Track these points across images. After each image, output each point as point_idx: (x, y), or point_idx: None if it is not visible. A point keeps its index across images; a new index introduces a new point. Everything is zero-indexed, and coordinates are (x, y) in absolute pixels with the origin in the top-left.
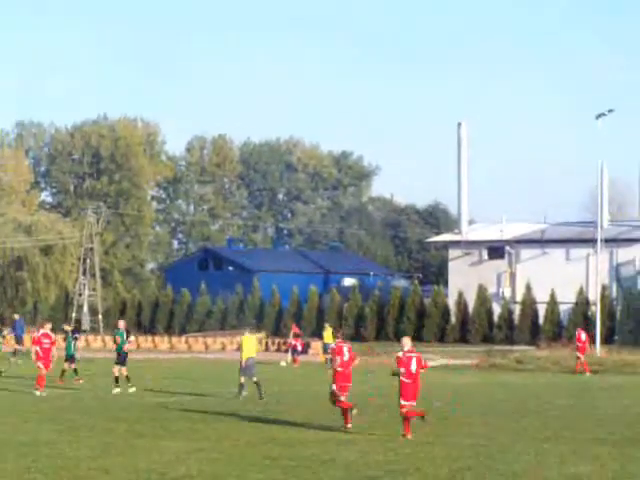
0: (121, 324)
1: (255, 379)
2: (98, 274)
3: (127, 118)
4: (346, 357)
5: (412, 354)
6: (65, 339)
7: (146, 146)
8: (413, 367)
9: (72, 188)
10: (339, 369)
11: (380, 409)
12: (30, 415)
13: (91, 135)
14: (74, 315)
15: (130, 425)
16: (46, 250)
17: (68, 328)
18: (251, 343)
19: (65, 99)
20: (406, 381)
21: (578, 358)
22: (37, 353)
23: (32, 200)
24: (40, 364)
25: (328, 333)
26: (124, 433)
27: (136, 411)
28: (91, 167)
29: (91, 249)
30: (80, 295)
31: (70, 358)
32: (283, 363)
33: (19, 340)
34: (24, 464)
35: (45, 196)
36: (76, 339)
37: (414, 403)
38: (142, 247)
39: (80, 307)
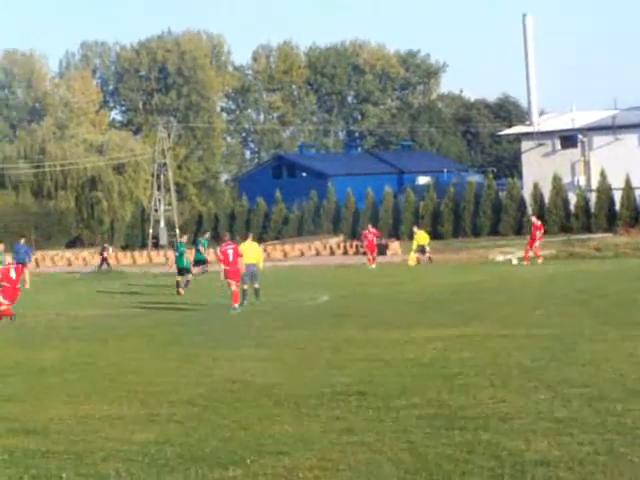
0: (207, 235)
1: (257, 286)
2: (173, 189)
3: (191, 32)
4: (231, 258)
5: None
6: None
7: (212, 58)
8: (231, 257)
9: (141, 105)
10: (227, 267)
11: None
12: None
13: (157, 51)
14: (150, 231)
15: (209, 335)
16: (119, 168)
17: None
18: (252, 250)
19: (129, 17)
20: (227, 268)
21: None
22: None
23: (102, 120)
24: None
25: (419, 235)
26: (210, 344)
27: (217, 320)
28: (159, 83)
29: (164, 164)
30: (156, 211)
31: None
32: (373, 266)
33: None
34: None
35: (115, 115)
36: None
37: None
38: (214, 159)
39: (157, 223)
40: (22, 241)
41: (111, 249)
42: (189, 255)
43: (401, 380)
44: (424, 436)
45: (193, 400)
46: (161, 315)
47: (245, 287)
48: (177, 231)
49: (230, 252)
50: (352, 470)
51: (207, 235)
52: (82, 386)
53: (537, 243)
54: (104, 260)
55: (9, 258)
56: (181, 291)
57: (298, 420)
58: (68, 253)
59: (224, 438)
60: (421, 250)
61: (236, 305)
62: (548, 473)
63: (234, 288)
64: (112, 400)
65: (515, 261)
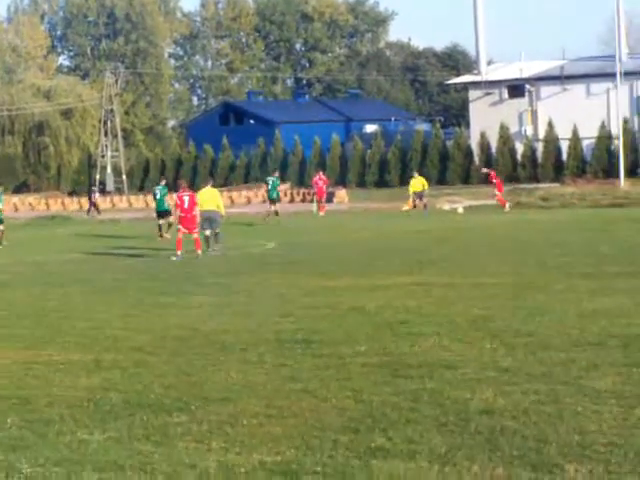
0: (163, 181)
1: (217, 231)
2: (120, 135)
3: None
4: (186, 205)
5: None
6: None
7: (161, 4)
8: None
9: (89, 50)
10: (182, 214)
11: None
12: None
13: None
14: (97, 177)
15: (162, 283)
16: (67, 114)
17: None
18: (209, 196)
19: None
20: (182, 215)
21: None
22: None
23: (50, 65)
24: None
25: (416, 181)
26: (156, 291)
27: (168, 268)
28: (107, 28)
29: (111, 110)
30: (103, 157)
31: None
32: (322, 213)
33: None
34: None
35: (63, 60)
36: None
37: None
38: (162, 105)
39: (104, 168)
40: None
41: (98, 194)
42: (169, 198)
43: (347, 328)
44: (369, 384)
45: (139, 347)
46: (108, 261)
47: (207, 233)
48: (123, 177)
49: (186, 199)
50: (296, 417)
51: (163, 182)
52: (28, 332)
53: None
54: (93, 204)
55: None
56: (166, 235)
57: (243, 367)
58: (15, 198)
59: (169, 384)
60: (418, 196)
61: (179, 252)
62: (493, 422)
63: (180, 235)
64: (58, 346)
65: (461, 210)
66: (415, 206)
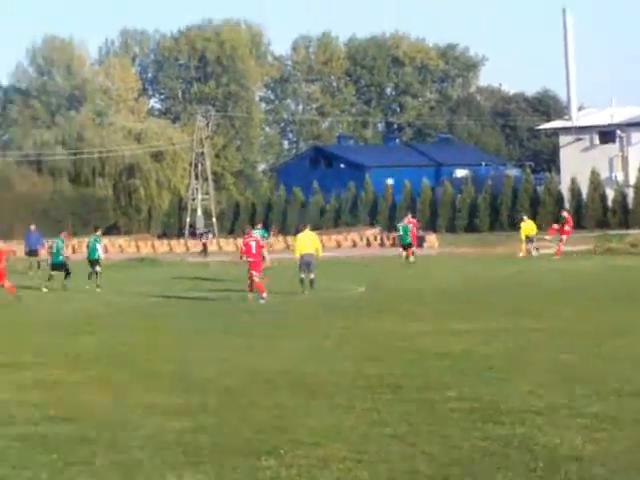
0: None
1: (312, 276)
2: (210, 178)
3: (231, 21)
4: (254, 250)
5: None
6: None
7: (252, 48)
8: (254, 249)
9: (180, 93)
10: (250, 259)
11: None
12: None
13: (196, 40)
14: (188, 220)
15: (251, 326)
16: (157, 156)
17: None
18: (308, 239)
19: (169, 5)
20: (251, 260)
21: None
22: None
23: (141, 107)
24: None
25: (527, 225)
26: (246, 333)
27: (258, 311)
28: (198, 71)
29: (202, 153)
30: (193, 199)
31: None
32: (412, 259)
33: (32, 253)
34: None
35: (154, 103)
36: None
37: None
38: (253, 149)
39: (194, 211)
40: (32, 228)
41: (210, 235)
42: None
43: (436, 373)
44: (458, 430)
45: (229, 389)
46: (197, 303)
47: (302, 276)
48: (213, 220)
49: (252, 244)
50: (385, 463)
51: (98, 232)
52: (118, 373)
53: (564, 237)
54: (205, 246)
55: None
56: (47, 286)
57: (332, 411)
58: (105, 240)
59: (258, 428)
60: (529, 240)
61: (264, 295)
62: (582, 468)
63: (257, 279)
64: (148, 388)
65: (535, 253)
66: (529, 251)
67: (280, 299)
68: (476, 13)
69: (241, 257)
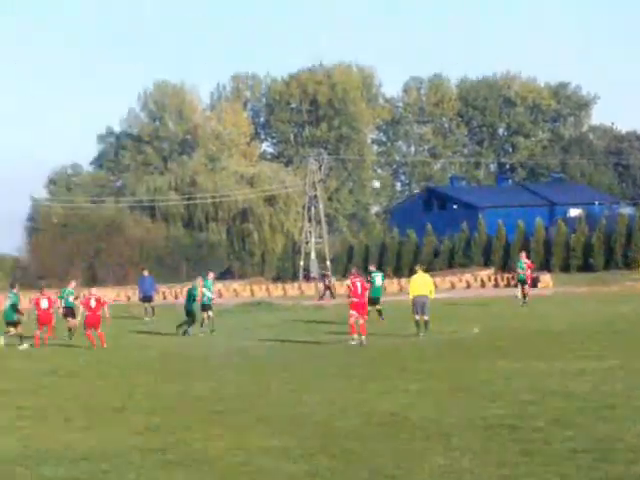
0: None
1: (426, 318)
2: (323, 221)
3: (342, 63)
4: (359, 291)
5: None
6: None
7: (363, 90)
8: (359, 290)
9: (292, 137)
10: (354, 299)
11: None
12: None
13: (308, 83)
14: (301, 263)
15: (365, 368)
16: (270, 200)
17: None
18: (421, 281)
19: (280, 49)
20: (355, 300)
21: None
22: None
23: (253, 151)
24: None
25: None
26: (360, 376)
27: (372, 352)
28: (310, 115)
29: (315, 196)
30: (307, 243)
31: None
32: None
33: (146, 299)
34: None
35: (266, 147)
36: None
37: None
38: (365, 191)
39: (308, 255)
40: (145, 273)
41: (333, 278)
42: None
43: (553, 412)
44: (576, 469)
45: (345, 433)
46: (311, 347)
47: (417, 318)
48: (327, 263)
49: (358, 284)
50: None
51: (72, 284)
52: (233, 418)
53: None
54: (327, 288)
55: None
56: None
57: (449, 453)
58: (219, 285)
59: (373, 471)
60: None
61: (355, 336)
62: None
63: (352, 320)
64: (262, 430)
65: None
66: None
67: (395, 341)
68: (587, 51)
69: (348, 297)
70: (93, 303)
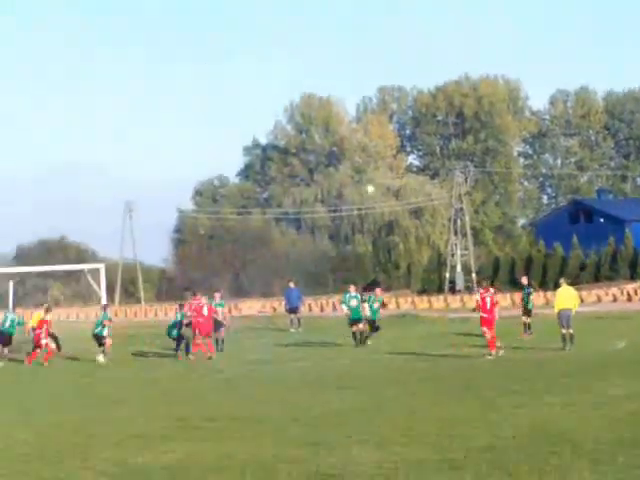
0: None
1: (571, 331)
2: (469, 233)
3: (488, 76)
4: (488, 306)
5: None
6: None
7: (509, 103)
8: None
9: (438, 149)
10: (484, 315)
11: None
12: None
13: (454, 95)
14: (447, 275)
15: (511, 382)
16: (416, 212)
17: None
18: (566, 294)
19: (426, 62)
20: (484, 316)
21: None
22: None
23: (399, 164)
24: None
25: None
26: (506, 390)
27: (520, 367)
28: (456, 127)
29: (461, 209)
30: (452, 255)
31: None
32: None
33: (293, 310)
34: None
35: (412, 159)
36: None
37: None
38: (512, 204)
39: (453, 267)
40: (292, 285)
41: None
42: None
43: None
44: None
45: (489, 446)
46: (457, 360)
47: (563, 332)
48: (473, 275)
49: (488, 300)
50: None
51: (217, 296)
52: (378, 430)
53: None
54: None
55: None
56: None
57: (595, 467)
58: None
59: None
60: None
61: (492, 352)
62: None
63: (488, 336)
64: (407, 444)
65: None
66: None
67: (541, 355)
68: None
69: (474, 310)
70: (205, 311)
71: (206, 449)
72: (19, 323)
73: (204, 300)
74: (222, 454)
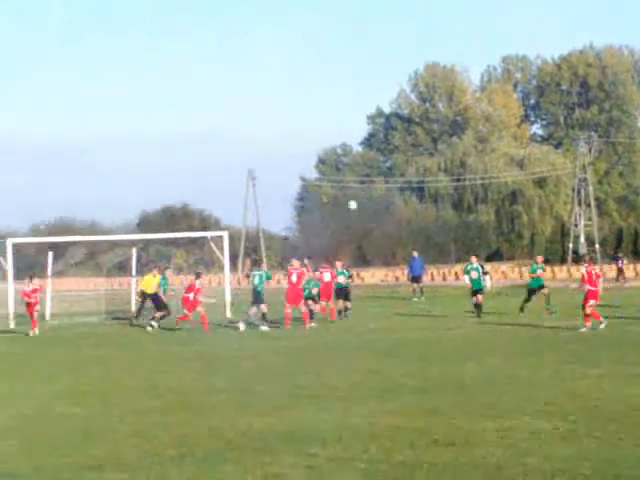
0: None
1: None
2: (593, 204)
3: (613, 46)
4: (594, 277)
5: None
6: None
7: (634, 73)
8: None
9: (562, 119)
10: (592, 288)
11: None
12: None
13: (578, 65)
14: (570, 246)
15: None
16: (539, 182)
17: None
18: None
19: (550, 31)
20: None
21: None
22: None
23: (523, 133)
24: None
25: None
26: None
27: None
28: (580, 97)
29: (584, 179)
30: (576, 226)
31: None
32: None
33: (416, 279)
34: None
35: (536, 129)
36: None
37: None
38: (635, 174)
39: (576, 238)
40: (415, 254)
41: (625, 260)
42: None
43: None
44: None
45: (613, 417)
46: (577, 333)
47: None
48: (596, 246)
49: (593, 272)
50: None
51: (339, 265)
52: (501, 399)
53: None
54: (620, 272)
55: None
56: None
57: None
58: (488, 266)
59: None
60: None
61: (589, 324)
62: None
63: (589, 309)
64: (531, 414)
65: None
66: None
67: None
68: None
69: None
70: (294, 278)
71: (325, 417)
72: (267, 277)
73: (296, 266)
74: (341, 423)
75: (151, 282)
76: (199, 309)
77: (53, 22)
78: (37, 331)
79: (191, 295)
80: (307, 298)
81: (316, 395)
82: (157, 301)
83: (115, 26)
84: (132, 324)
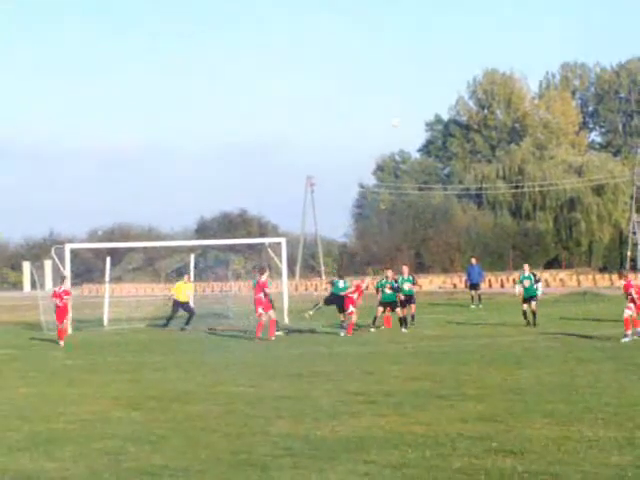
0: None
1: None
2: None
3: None
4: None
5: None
6: None
7: None
8: None
9: (620, 127)
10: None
11: None
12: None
13: (637, 72)
14: (629, 254)
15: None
16: (598, 190)
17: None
18: None
19: (609, 38)
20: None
21: None
22: None
23: (581, 141)
24: None
25: None
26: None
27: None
28: (638, 105)
29: None
30: (634, 233)
31: None
32: None
33: (474, 286)
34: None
35: (594, 136)
36: None
37: None
38: None
39: (635, 246)
40: (474, 261)
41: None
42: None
43: None
44: None
45: None
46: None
47: None
48: None
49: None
50: None
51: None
52: (558, 407)
53: None
54: None
55: None
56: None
57: None
58: (545, 274)
59: None
60: None
61: (628, 332)
62: None
63: (628, 315)
64: (589, 422)
65: None
66: None
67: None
68: None
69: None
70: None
71: (384, 423)
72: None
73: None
74: (398, 429)
75: (183, 289)
76: (270, 313)
77: None
78: (62, 343)
79: (262, 295)
80: (388, 303)
81: (373, 401)
82: (188, 308)
83: (196, 38)
84: (182, 329)
